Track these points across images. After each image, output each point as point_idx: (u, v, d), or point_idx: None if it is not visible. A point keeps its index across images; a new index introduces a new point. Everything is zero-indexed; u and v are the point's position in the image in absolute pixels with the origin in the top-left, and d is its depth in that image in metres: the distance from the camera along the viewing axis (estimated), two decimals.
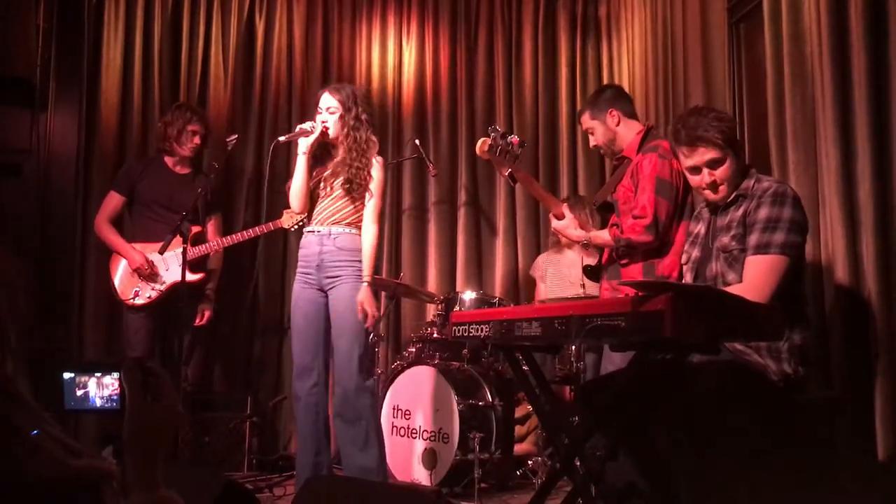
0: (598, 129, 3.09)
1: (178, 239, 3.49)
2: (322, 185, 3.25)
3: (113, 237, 3.89)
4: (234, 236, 3.96)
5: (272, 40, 4.80)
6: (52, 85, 4.28)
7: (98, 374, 1.15)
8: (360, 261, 3.19)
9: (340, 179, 3.20)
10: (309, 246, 3.25)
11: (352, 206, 3.23)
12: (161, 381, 1.12)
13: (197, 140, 4.00)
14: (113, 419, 1.10)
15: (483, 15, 5.11)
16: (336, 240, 3.20)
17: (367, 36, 5.01)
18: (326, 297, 3.23)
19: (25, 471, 0.80)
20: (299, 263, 3.30)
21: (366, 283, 3.15)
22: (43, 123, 4.25)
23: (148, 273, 3.78)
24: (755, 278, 2.20)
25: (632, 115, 3.12)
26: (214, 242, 3.94)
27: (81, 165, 4.33)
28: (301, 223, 3.75)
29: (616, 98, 3.11)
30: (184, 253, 3.48)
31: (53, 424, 0.95)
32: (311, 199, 3.28)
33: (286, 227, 3.81)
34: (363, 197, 3.23)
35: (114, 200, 3.96)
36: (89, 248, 4.25)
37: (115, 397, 1.14)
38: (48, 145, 4.26)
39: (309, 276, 3.24)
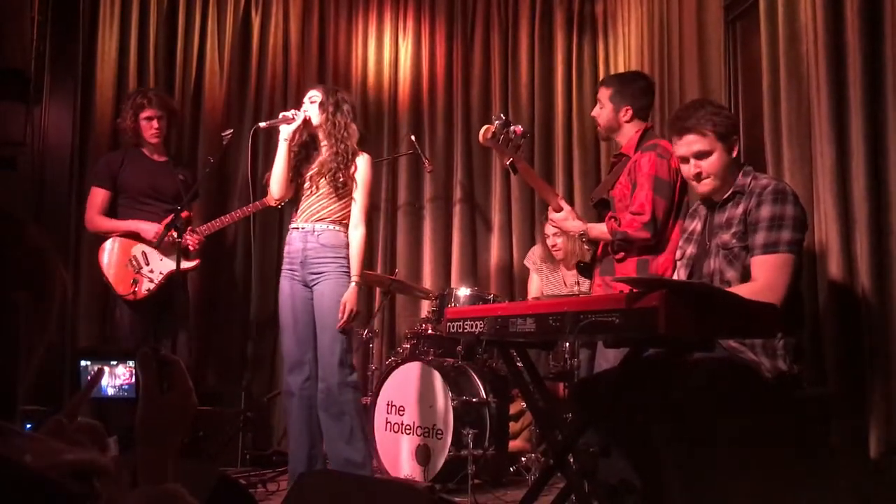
0: (609, 111, 3.05)
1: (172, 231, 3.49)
2: (308, 183, 3.24)
3: (112, 223, 3.79)
4: (222, 218, 3.88)
5: (268, 35, 4.79)
6: (46, 78, 4.25)
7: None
8: (343, 257, 3.20)
9: (326, 177, 3.20)
10: (293, 242, 3.26)
11: (337, 204, 3.23)
12: (176, 370, 1.09)
13: (156, 124, 3.82)
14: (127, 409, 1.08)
15: (479, 11, 5.11)
16: (320, 237, 3.20)
17: (363, 32, 5.01)
18: (312, 292, 3.24)
19: (16, 464, 0.79)
20: (284, 259, 3.31)
21: (354, 283, 3.17)
22: (37, 116, 4.23)
23: (168, 241, 3.61)
24: (769, 278, 2.18)
25: (644, 115, 3.09)
26: (205, 227, 3.85)
27: (76, 159, 4.31)
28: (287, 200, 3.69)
29: (643, 95, 3.06)
30: (179, 244, 3.47)
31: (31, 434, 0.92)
32: (297, 196, 3.28)
33: (272, 203, 3.66)
34: (349, 194, 3.23)
35: (99, 196, 3.85)
36: (83, 242, 4.23)
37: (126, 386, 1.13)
38: (42, 138, 4.24)
39: (294, 272, 3.26)
